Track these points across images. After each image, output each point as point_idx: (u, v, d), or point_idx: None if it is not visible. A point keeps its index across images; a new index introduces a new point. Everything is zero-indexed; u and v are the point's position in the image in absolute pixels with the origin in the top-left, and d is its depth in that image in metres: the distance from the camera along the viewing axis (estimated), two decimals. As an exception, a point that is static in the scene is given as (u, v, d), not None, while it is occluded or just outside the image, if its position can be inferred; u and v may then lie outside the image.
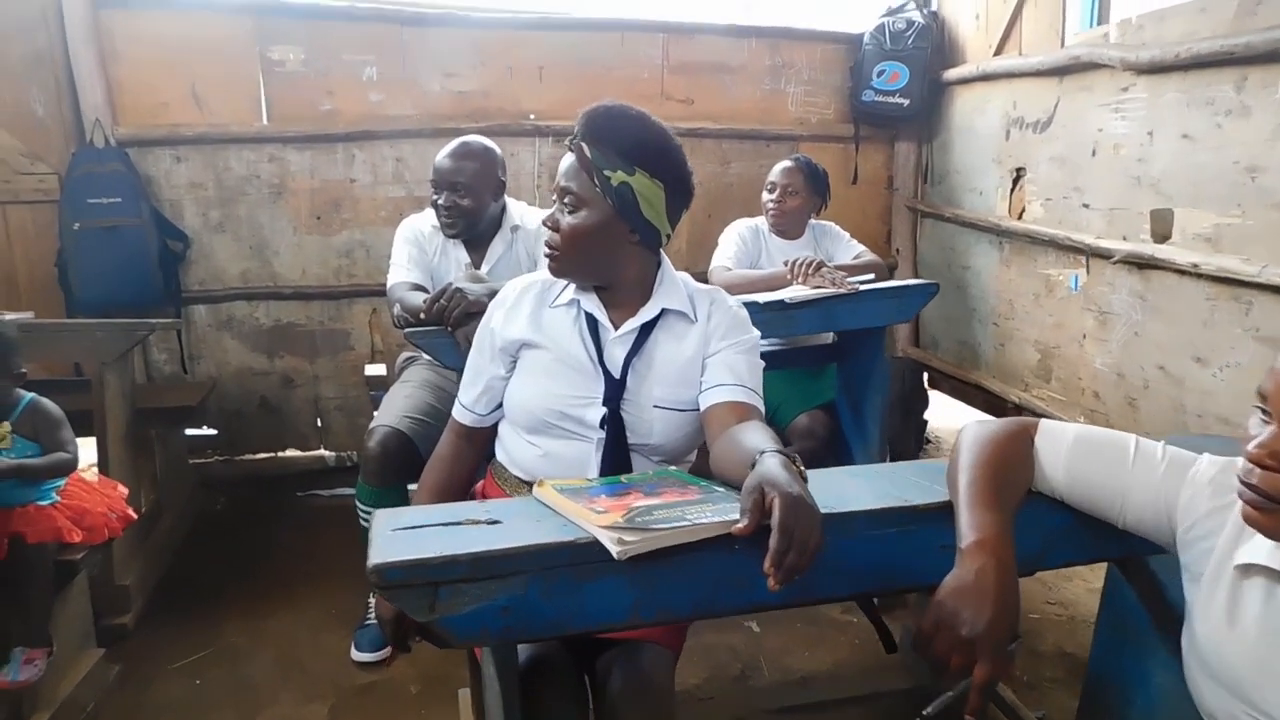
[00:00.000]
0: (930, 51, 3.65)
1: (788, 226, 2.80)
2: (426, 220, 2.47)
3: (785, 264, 2.54)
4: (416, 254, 2.41)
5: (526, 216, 2.50)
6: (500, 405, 1.55)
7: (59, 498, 1.96)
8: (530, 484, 1.48)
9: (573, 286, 1.49)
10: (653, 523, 1.03)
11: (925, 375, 3.94)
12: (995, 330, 3.47)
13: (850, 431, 2.62)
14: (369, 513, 2.24)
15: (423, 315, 2.04)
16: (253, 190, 3.21)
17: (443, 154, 2.35)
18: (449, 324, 1.99)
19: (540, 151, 3.49)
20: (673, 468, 1.44)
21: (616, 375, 1.43)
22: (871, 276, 2.57)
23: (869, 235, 3.53)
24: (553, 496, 1.16)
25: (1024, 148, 3.22)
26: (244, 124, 3.16)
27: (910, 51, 3.66)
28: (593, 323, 1.46)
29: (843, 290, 2.38)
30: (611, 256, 1.43)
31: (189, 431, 3.27)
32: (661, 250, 1.50)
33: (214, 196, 3.18)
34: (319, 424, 3.44)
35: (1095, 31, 2.85)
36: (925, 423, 3.95)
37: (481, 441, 1.61)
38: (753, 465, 1.08)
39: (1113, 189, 2.73)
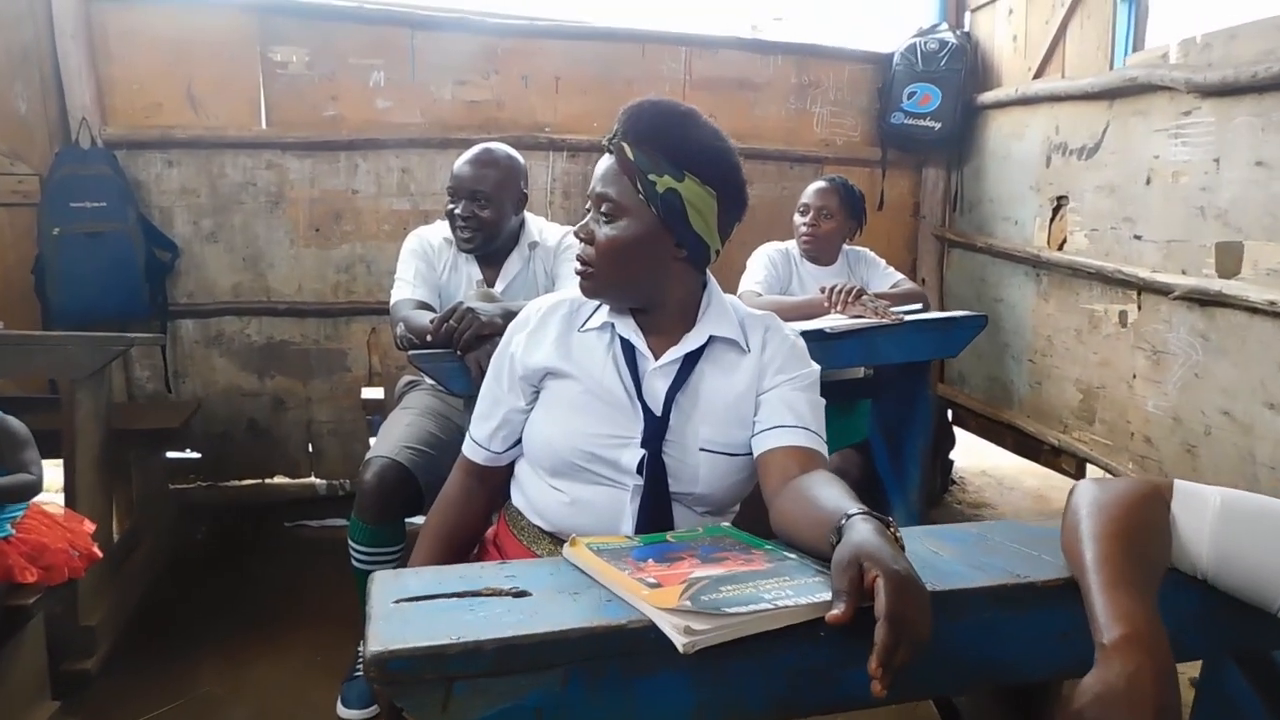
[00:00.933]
0: (964, 74, 3.49)
1: (821, 251, 2.61)
2: (437, 233, 2.28)
3: (821, 290, 2.35)
4: (424, 269, 2.22)
5: (546, 232, 2.31)
6: (519, 442, 1.35)
7: (13, 530, 1.75)
8: (552, 535, 1.29)
9: (605, 308, 1.30)
10: (723, 603, 0.82)
11: (950, 412, 3.74)
12: (1031, 367, 3.27)
13: (886, 474, 2.42)
14: (363, 552, 2.05)
15: (429, 337, 1.85)
16: (248, 198, 3.01)
17: (463, 160, 2.16)
18: (459, 347, 1.80)
19: (555, 166, 3.31)
20: (725, 524, 1.24)
21: (658, 412, 1.24)
22: (918, 306, 2.38)
23: (894, 264, 3.34)
24: (589, 559, 0.96)
25: (1067, 175, 3.04)
26: (242, 128, 2.97)
27: (943, 73, 3.50)
28: (629, 350, 1.27)
29: (886, 320, 2.19)
30: (653, 274, 1.25)
31: (171, 455, 3.05)
32: (708, 270, 1.31)
33: (207, 204, 2.98)
34: (310, 449, 3.22)
35: (1151, 52, 2.69)
36: (951, 463, 3.76)
37: (496, 482, 1.41)
38: (838, 530, 0.89)
39: (1171, 220, 2.55)
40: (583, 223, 1.25)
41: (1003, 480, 3.85)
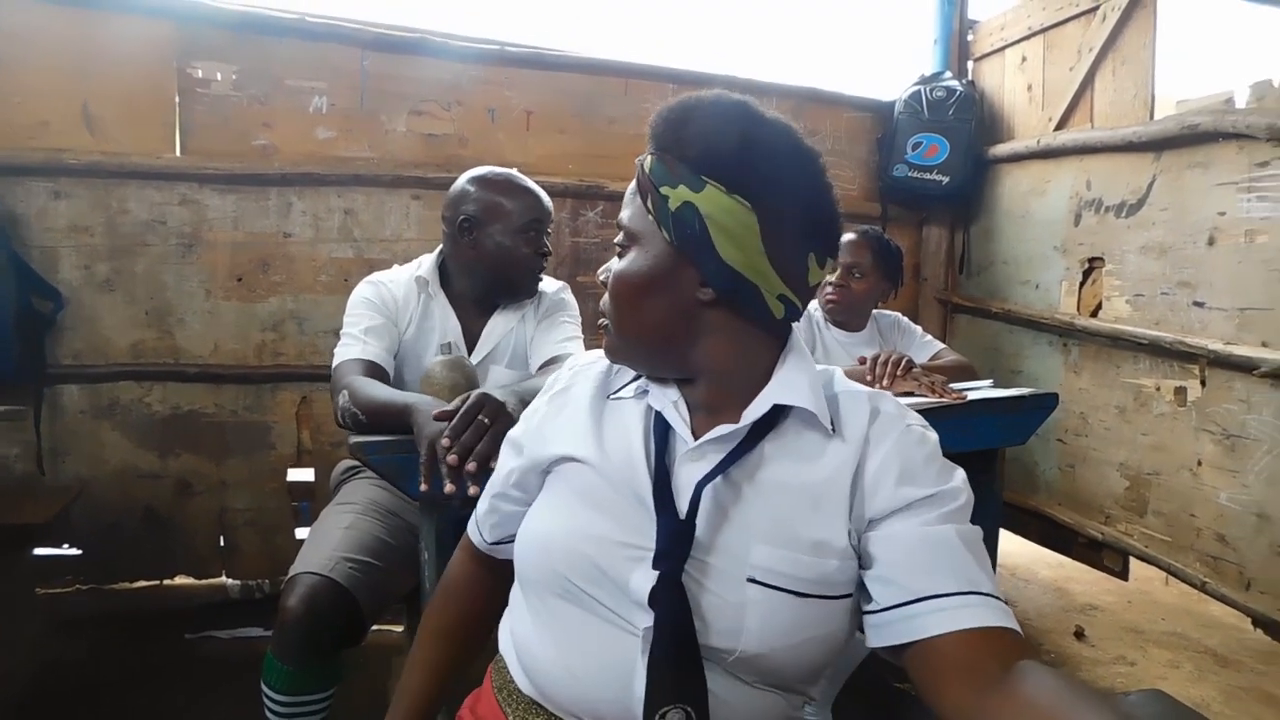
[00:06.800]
0: (974, 124, 3.20)
1: (849, 316, 2.22)
2: (399, 278, 1.84)
3: (861, 361, 1.94)
4: (380, 324, 1.75)
5: (542, 282, 1.90)
6: (513, 539, 0.94)
7: None
8: (545, 709, 0.87)
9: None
10: None
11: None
12: (1061, 449, 2.91)
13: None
14: (280, 702, 1.54)
15: (444, 440, 1.22)
16: (156, 240, 2.49)
17: (520, 187, 1.79)
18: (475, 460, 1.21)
19: (524, 213, 2.87)
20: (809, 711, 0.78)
21: (682, 513, 0.81)
22: (989, 383, 1.98)
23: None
24: None
25: (1102, 234, 2.72)
26: (150, 155, 2.45)
27: (951, 123, 3.20)
28: (662, 427, 0.87)
29: (946, 400, 1.78)
30: (679, 325, 0.87)
31: (40, 552, 2.45)
32: (780, 317, 0.86)
33: (103, 245, 2.44)
34: (222, 543, 2.65)
35: (1211, 98, 2.40)
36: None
37: (507, 573, 0.97)
38: None
39: (1244, 284, 2.23)
40: (604, 266, 0.93)
41: (1015, 571, 3.46)
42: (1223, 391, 2.29)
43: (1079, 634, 2.72)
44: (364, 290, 1.79)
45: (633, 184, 0.89)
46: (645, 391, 0.91)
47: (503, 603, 1.00)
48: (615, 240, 0.91)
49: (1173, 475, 2.46)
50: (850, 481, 0.83)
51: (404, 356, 1.79)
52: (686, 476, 0.84)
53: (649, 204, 0.86)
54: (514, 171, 1.81)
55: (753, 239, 0.82)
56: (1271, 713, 2.23)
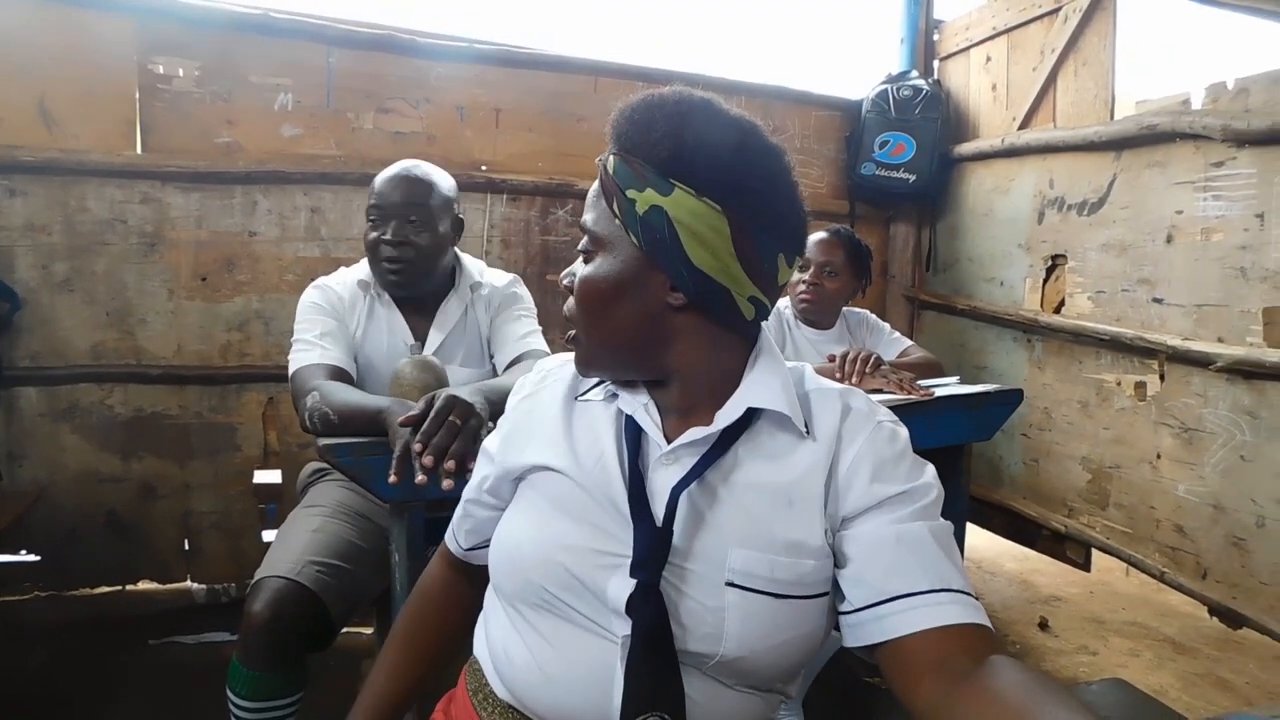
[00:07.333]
0: (940, 123, 3.23)
1: (821, 314, 2.24)
2: (344, 280, 1.81)
3: (830, 359, 1.96)
4: (333, 327, 1.72)
5: (488, 274, 1.90)
6: (488, 544, 0.93)
7: None
8: (522, 715, 0.86)
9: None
10: None
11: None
12: (1025, 443, 2.96)
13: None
14: (245, 708, 1.51)
15: (416, 444, 1.25)
16: (116, 239, 2.44)
17: (386, 175, 1.73)
18: (452, 459, 1.23)
19: (493, 211, 2.87)
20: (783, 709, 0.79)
21: (659, 520, 0.81)
22: (956, 379, 2.01)
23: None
24: None
25: (1064, 232, 2.77)
26: (110, 152, 2.40)
27: (918, 122, 3.23)
28: (634, 431, 0.86)
29: (914, 396, 1.80)
30: (647, 331, 0.85)
31: (-2, 559, 2.41)
32: (751, 318, 0.86)
33: (61, 244, 2.39)
34: (187, 547, 2.61)
35: (1168, 99, 2.45)
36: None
37: (483, 580, 0.97)
38: None
39: (1201, 281, 2.28)
40: (568, 269, 0.90)
41: (981, 564, 3.51)
42: (1181, 386, 2.34)
43: (1043, 625, 2.77)
44: (312, 295, 1.76)
45: (595, 185, 0.87)
46: (614, 395, 0.90)
47: (476, 610, 0.99)
48: (580, 246, 0.88)
49: (1133, 468, 2.51)
50: (823, 480, 0.83)
51: (358, 358, 1.77)
52: (661, 482, 0.83)
53: (615, 208, 0.83)
54: (408, 161, 1.76)
55: (723, 242, 0.80)
56: (1226, 697, 2.29)
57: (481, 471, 0.99)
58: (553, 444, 0.89)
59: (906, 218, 3.51)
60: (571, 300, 0.87)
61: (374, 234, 1.70)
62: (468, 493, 1.01)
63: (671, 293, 0.83)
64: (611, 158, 0.84)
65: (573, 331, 0.89)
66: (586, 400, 0.92)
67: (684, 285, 0.82)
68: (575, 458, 0.87)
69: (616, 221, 0.84)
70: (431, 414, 1.26)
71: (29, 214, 2.35)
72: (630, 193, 0.81)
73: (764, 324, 0.91)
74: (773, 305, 0.87)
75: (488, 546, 0.93)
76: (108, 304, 2.46)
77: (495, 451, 0.96)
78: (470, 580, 1.05)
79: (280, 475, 2.66)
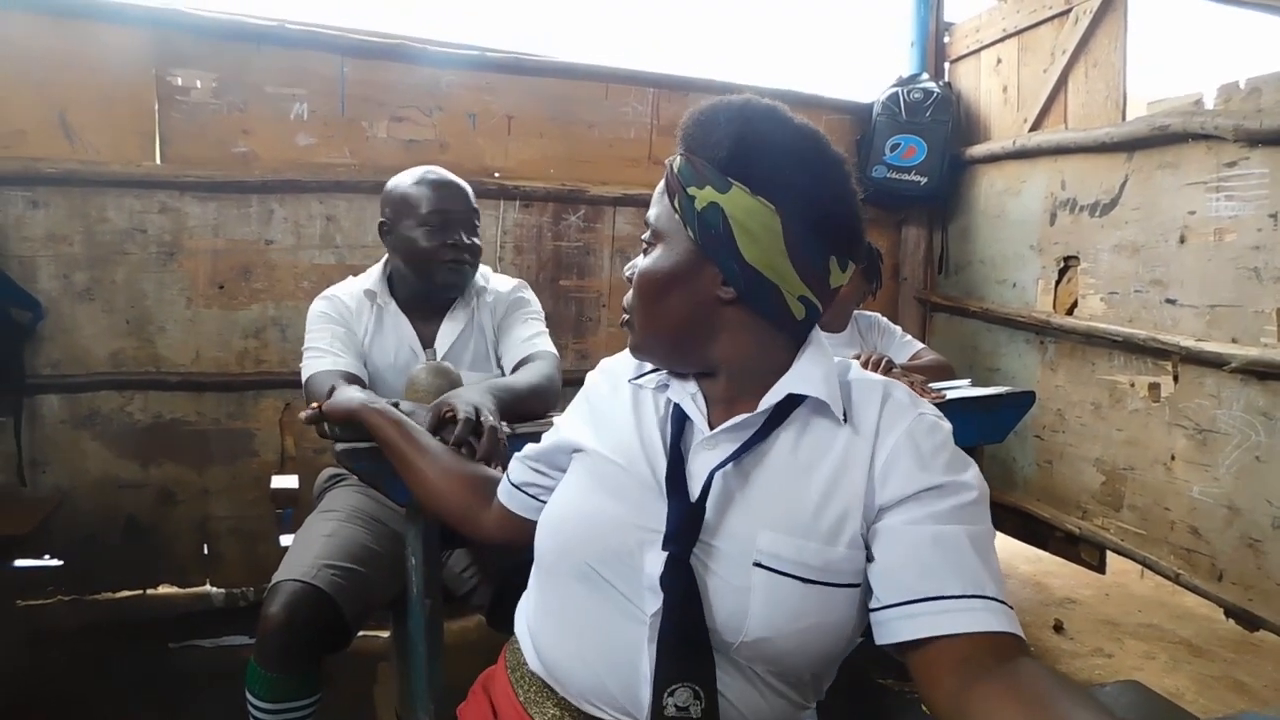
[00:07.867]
0: (950, 126, 3.24)
1: (832, 317, 2.25)
2: (351, 290, 1.86)
3: (841, 362, 1.97)
4: (344, 335, 1.76)
5: (494, 280, 1.95)
6: (531, 491, 1.08)
7: None
8: (556, 694, 0.92)
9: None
10: None
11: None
12: (1039, 445, 2.95)
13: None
14: (263, 708, 1.54)
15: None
16: (135, 248, 2.48)
17: (433, 182, 1.78)
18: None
19: (505, 217, 2.89)
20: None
21: (693, 498, 0.85)
22: (968, 382, 2.01)
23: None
24: None
25: (1076, 233, 2.77)
26: (129, 163, 2.44)
27: (928, 124, 3.23)
28: (679, 417, 0.92)
29: (925, 399, 1.81)
30: (700, 324, 0.90)
31: (21, 563, 2.44)
32: (801, 318, 0.89)
33: (82, 254, 2.43)
34: (205, 552, 2.64)
35: (1180, 99, 2.44)
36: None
37: (494, 526, 1.12)
38: None
39: (1214, 282, 2.27)
40: (630, 262, 0.96)
41: (996, 566, 3.50)
42: (1194, 387, 2.34)
43: (1058, 627, 2.76)
44: (320, 305, 1.81)
45: (661, 184, 0.92)
46: (666, 385, 0.94)
47: (462, 521, 1.13)
48: (642, 237, 0.94)
49: (1147, 470, 2.50)
50: (863, 470, 0.84)
51: (367, 365, 1.80)
52: (700, 464, 0.87)
53: (676, 203, 0.88)
54: (431, 167, 1.82)
55: (775, 240, 0.84)
56: (1243, 700, 2.28)
57: (546, 440, 1.06)
58: (605, 429, 0.96)
59: (918, 220, 3.51)
60: (631, 291, 0.93)
61: (435, 240, 1.75)
62: (527, 452, 1.08)
63: (722, 286, 0.87)
64: (678, 158, 0.89)
65: (626, 317, 0.95)
66: (640, 385, 0.97)
67: (734, 279, 0.86)
68: (622, 440, 0.92)
69: (676, 217, 0.89)
70: (460, 422, 1.29)
71: (50, 225, 2.39)
72: (691, 190, 0.86)
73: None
74: (825, 308, 0.89)
75: (531, 494, 1.06)
76: (127, 312, 2.49)
77: (559, 425, 1.05)
78: (480, 516, 1.12)
79: (297, 480, 2.67)
